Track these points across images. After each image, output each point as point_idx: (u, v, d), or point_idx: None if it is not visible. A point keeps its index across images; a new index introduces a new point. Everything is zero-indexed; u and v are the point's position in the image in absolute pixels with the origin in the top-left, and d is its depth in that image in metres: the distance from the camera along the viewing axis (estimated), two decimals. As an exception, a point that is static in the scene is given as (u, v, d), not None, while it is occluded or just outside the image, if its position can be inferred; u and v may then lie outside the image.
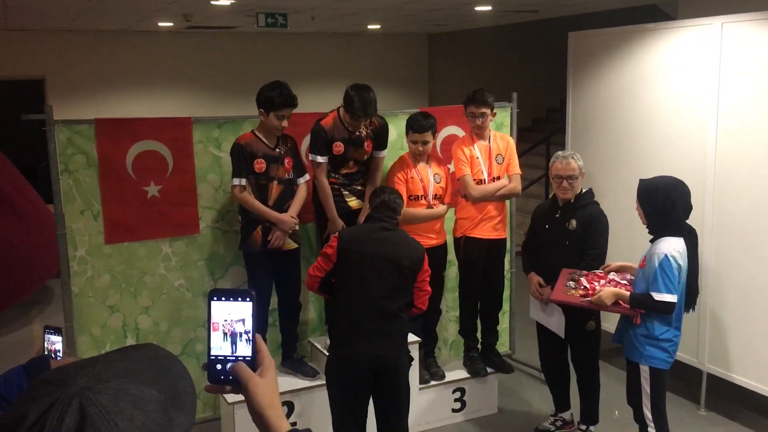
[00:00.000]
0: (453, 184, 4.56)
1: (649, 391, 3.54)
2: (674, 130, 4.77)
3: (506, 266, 5.04)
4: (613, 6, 8.14)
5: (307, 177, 4.32)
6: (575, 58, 5.57)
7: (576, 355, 4.24)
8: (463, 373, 4.72)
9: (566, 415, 4.46)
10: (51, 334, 2.09)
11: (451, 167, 4.63)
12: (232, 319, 1.18)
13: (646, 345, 3.50)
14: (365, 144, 4.30)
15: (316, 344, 4.56)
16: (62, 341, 2.10)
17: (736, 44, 4.32)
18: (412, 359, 3.82)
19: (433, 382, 4.60)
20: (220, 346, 1.18)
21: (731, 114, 4.38)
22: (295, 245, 4.27)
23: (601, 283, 3.75)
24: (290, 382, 4.30)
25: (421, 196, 4.38)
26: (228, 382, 1.19)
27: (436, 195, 4.41)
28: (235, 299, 1.18)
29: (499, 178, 4.47)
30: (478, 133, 4.45)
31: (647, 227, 3.60)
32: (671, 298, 3.38)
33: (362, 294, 3.51)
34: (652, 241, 3.56)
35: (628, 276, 3.79)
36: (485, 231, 4.46)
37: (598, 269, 3.89)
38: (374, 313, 3.48)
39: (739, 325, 4.45)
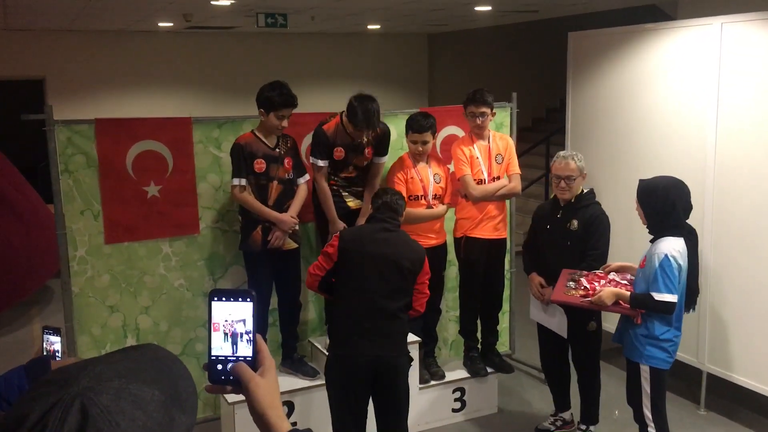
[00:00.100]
0: (453, 184, 4.56)
1: (649, 391, 3.54)
2: (674, 130, 4.77)
3: (506, 266, 5.03)
4: (613, 6, 8.15)
5: (307, 177, 4.32)
6: (575, 58, 5.57)
7: (577, 355, 4.25)
8: (463, 373, 4.72)
9: (566, 415, 4.46)
10: (49, 334, 2.09)
11: (451, 167, 4.63)
12: (232, 319, 1.18)
13: (646, 345, 3.50)
14: (366, 151, 4.31)
15: (316, 344, 4.56)
16: (61, 341, 2.10)
17: (736, 44, 4.32)
18: (411, 360, 3.82)
19: (433, 382, 4.60)
20: (220, 347, 1.18)
21: (731, 114, 4.38)
22: (295, 245, 4.27)
23: (601, 284, 3.75)
24: (290, 382, 4.30)
25: (421, 196, 4.38)
26: (229, 383, 1.19)
27: (435, 195, 4.41)
28: (236, 299, 1.18)
29: (499, 177, 4.47)
30: (477, 133, 4.45)
31: (647, 227, 3.60)
32: (671, 298, 3.38)
33: (362, 294, 3.51)
34: (652, 241, 3.56)
35: (629, 276, 3.79)
36: (486, 231, 4.46)
37: (598, 269, 3.90)
38: (374, 313, 3.48)
39: (739, 325, 4.45)
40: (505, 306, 5.11)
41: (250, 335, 1.18)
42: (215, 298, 1.18)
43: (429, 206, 4.39)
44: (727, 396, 4.79)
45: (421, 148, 4.32)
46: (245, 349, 1.18)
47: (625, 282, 3.74)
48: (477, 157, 4.43)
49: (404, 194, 4.21)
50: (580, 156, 4.08)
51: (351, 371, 3.51)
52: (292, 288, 4.37)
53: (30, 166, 8.53)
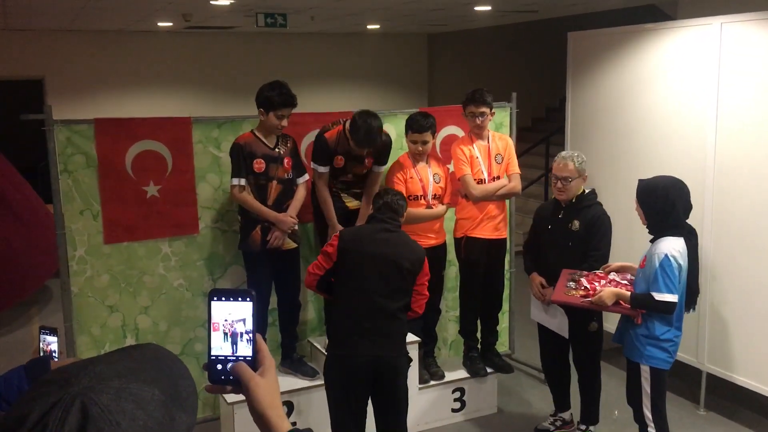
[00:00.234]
0: (452, 184, 4.55)
1: (649, 391, 3.53)
2: (674, 130, 4.77)
3: (506, 266, 5.03)
4: (612, 6, 8.15)
5: (306, 177, 4.32)
6: (575, 58, 5.57)
7: (577, 355, 4.24)
8: (462, 373, 4.71)
9: (566, 415, 4.46)
10: (46, 334, 2.09)
11: (451, 167, 4.63)
12: (232, 319, 1.18)
13: (646, 345, 3.50)
14: (366, 160, 4.31)
15: (316, 344, 4.56)
16: (57, 341, 2.09)
17: (735, 44, 4.32)
18: (410, 360, 3.82)
19: (432, 382, 4.60)
20: (220, 346, 1.18)
21: (731, 114, 4.38)
22: (294, 245, 4.27)
23: (601, 284, 3.75)
24: (290, 382, 4.30)
25: (421, 196, 4.38)
26: (229, 382, 1.18)
27: (435, 195, 4.41)
28: (236, 299, 1.18)
29: (498, 177, 4.47)
30: (477, 133, 4.45)
31: (647, 227, 3.59)
32: (672, 298, 3.38)
33: (362, 294, 3.50)
34: (652, 241, 3.55)
35: (629, 276, 3.79)
36: (486, 231, 4.46)
37: (598, 270, 3.89)
38: (374, 313, 3.48)
39: (739, 325, 4.45)
40: (505, 306, 5.11)
41: (250, 335, 1.18)
42: (215, 298, 1.18)
43: (429, 206, 4.39)
44: (727, 396, 4.79)
45: (420, 148, 4.32)
46: (245, 349, 1.18)
47: (626, 282, 3.74)
48: (477, 157, 4.42)
49: (404, 194, 4.22)
50: (581, 157, 4.06)
51: (350, 371, 3.51)
52: (292, 288, 4.37)
53: (30, 166, 8.53)
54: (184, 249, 4.37)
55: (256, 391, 1.15)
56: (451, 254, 4.71)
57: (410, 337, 4.08)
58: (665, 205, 3.46)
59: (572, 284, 3.82)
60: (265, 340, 1.22)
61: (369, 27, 10.65)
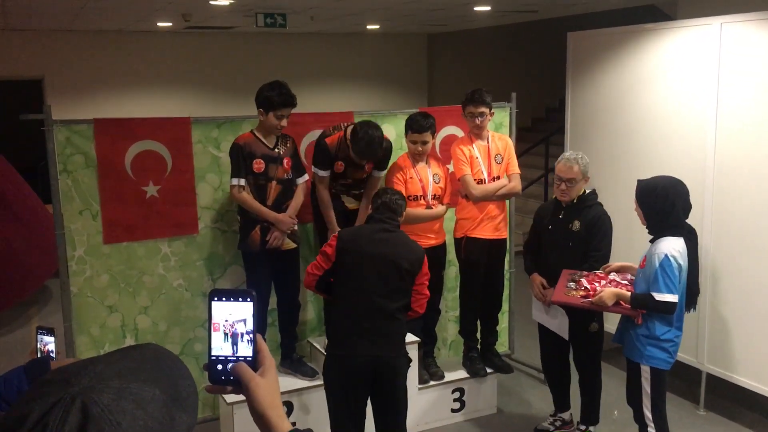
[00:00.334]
0: (452, 185, 4.55)
1: (649, 392, 3.53)
2: (674, 130, 4.77)
3: (506, 266, 5.03)
4: (612, 6, 8.15)
5: (306, 177, 4.32)
6: (574, 58, 5.57)
7: (578, 356, 4.24)
8: (462, 373, 4.71)
9: (566, 416, 4.45)
10: (43, 334, 2.08)
11: (450, 167, 4.63)
12: (233, 319, 1.17)
13: (647, 345, 3.49)
14: (366, 166, 4.31)
15: (315, 344, 4.56)
16: (55, 341, 2.09)
17: (735, 44, 4.32)
18: (410, 360, 3.80)
19: (432, 383, 4.60)
20: (221, 347, 1.18)
21: (731, 114, 4.38)
22: (294, 245, 4.27)
23: (601, 284, 3.74)
24: (289, 382, 4.29)
25: (420, 196, 4.37)
26: (229, 383, 1.18)
27: (435, 195, 4.41)
28: (236, 299, 1.18)
29: (498, 177, 4.47)
30: (476, 133, 4.44)
31: (647, 227, 3.59)
32: (672, 298, 3.38)
33: (361, 294, 3.49)
34: (652, 241, 3.55)
35: (629, 276, 3.79)
36: (486, 231, 4.45)
37: (599, 270, 3.89)
38: (373, 313, 3.47)
39: (739, 325, 4.45)
40: (505, 306, 5.11)
41: (251, 335, 1.18)
42: (215, 298, 1.18)
43: (428, 206, 4.38)
44: (727, 396, 4.79)
45: (420, 148, 4.32)
46: (245, 349, 1.17)
47: (626, 282, 3.74)
48: (476, 157, 4.42)
49: (404, 194, 4.21)
50: (585, 159, 4.03)
51: (349, 371, 3.50)
52: (291, 288, 4.37)
53: (29, 166, 8.53)
54: (183, 249, 4.36)
55: (257, 391, 1.15)
56: (451, 254, 4.71)
57: (410, 338, 4.08)
58: (665, 205, 3.46)
59: (572, 285, 3.81)
60: (264, 340, 1.22)
61: (369, 27, 10.65)
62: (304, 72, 11.10)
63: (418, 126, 4.29)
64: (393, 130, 4.77)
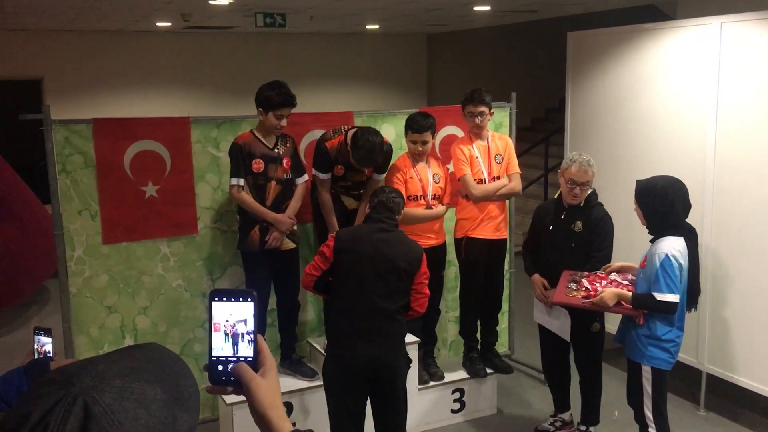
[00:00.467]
0: (452, 185, 4.54)
1: (650, 392, 3.52)
2: (674, 130, 4.77)
3: (506, 266, 5.02)
4: (612, 6, 8.15)
5: (305, 177, 4.31)
6: (574, 58, 5.57)
7: (579, 356, 4.23)
8: (462, 374, 4.70)
9: (566, 416, 4.45)
10: (41, 335, 2.08)
11: (450, 167, 4.62)
12: (234, 320, 1.17)
13: (648, 345, 3.49)
14: (366, 170, 4.30)
15: (315, 345, 4.55)
16: (52, 342, 2.08)
17: (735, 44, 4.32)
18: (410, 361, 3.79)
19: (432, 383, 4.59)
20: (221, 347, 1.17)
21: (731, 114, 4.37)
22: (293, 245, 4.26)
23: (602, 284, 3.74)
24: (289, 383, 4.28)
25: (420, 196, 4.37)
26: (229, 383, 1.17)
27: (435, 195, 4.40)
28: (237, 299, 1.17)
29: (498, 177, 4.46)
30: (476, 133, 4.44)
31: (647, 227, 3.59)
32: (673, 297, 3.37)
33: (360, 294, 3.48)
34: (652, 241, 3.55)
35: (630, 276, 3.78)
36: (487, 231, 4.45)
37: (599, 270, 3.88)
38: (372, 313, 3.46)
39: (740, 326, 4.44)
40: (505, 306, 5.10)
41: (251, 335, 1.17)
42: (216, 299, 1.17)
43: (428, 206, 4.38)
44: (727, 397, 4.79)
45: (420, 148, 4.31)
46: (246, 350, 1.17)
47: (626, 282, 3.73)
48: (476, 157, 4.42)
49: (404, 194, 4.21)
50: (593, 161, 3.98)
51: (348, 372, 3.49)
52: (291, 288, 4.36)
53: (28, 166, 8.52)
54: (183, 249, 4.36)
55: (257, 391, 1.14)
56: (451, 254, 4.70)
57: (410, 338, 4.07)
58: (664, 204, 3.46)
59: (573, 285, 3.81)
60: (264, 340, 1.22)
61: (368, 27, 10.65)
62: (304, 72, 11.10)
63: (418, 126, 4.28)
64: (393, 130, 4.76)
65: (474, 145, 4.44)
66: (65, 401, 0.80)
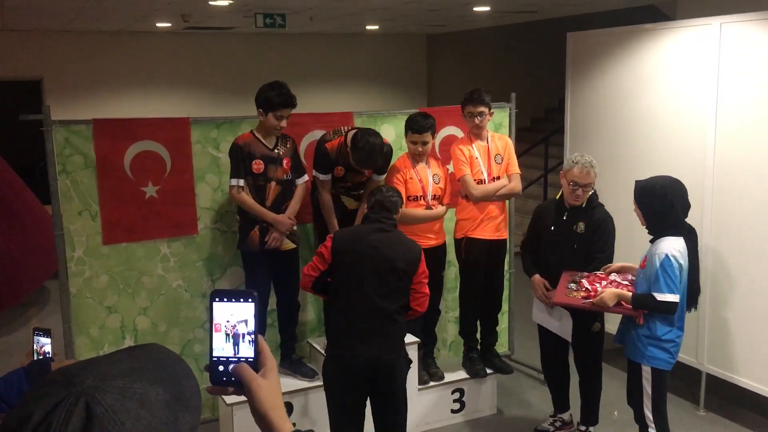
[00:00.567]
0: (452, 185, 4.55)
1: (650, 392, 3.53)
2: (673, 131, 4.77)
3: (506, 266, 5.02)
4: (611, 6, 8.15)
5: (305, 178, 4.31)
6: (574, 59, 5.57)
7: (579, 357, 4.22)
8: (462, 374, 4.70)
9: (566, 416, 4.45)
10: (40, 335, 2.08)
11: (450, 168, 4.62)
12: (234, 320, 1.17)
13: (648, 345, 3.49)
14: (366, 171, 4.30)
15: (315, 345, 4.55)
16: (51, 343, 2.08)
17: (735, 44, 4.32)
18: (410, 362, 3.78)
19: (432, 383, 4.59)
20: (222, 348, 1.17)
21: (730, 114, 4.37)
22: (293, 245, 4.26)
23: (602, 285, 3.74)
24: (289, 383, 4.28)
25: (420, 196, 4.37)
26: (230, 384, 1.18)
27: (435, 195, 4.40)
28: (237, 300, 1.17)
29: (498, 178, 4.46)
30: (476, 133, 4.44)
31: (646, 228, 3.59)
32: (673, 298, 3.38)
33: (359, 295, 3.47)
34: (652, 241, 3.55)
35: (629, 276, 3.78)
36: (487, 231, 4.44)
37: (599, 270, 3.88)
38: (371, 314, 3.45)
39: (739, 325, 4.44)
40: (505, 306, 5.10)
41: (252, 336, 1.17)
42: (216, 299, 1.17)
43: (428, 207, 4.38)
44: (727, 397, 4.79)
45: (420, 149, 4.31)
46: (247, 350, 1.17)
47: (626, 283, 3.73)
48: (476, 158, 4.42)
49: (403, 195, 4.21)
50: (595, 162, 3.95)
51: (348, 372, 3.49)
52: (291, 288, 4.35)
53: (28, 167, 8.52)
54: (183, 250, 4.36)
55: (258, 392, 1.14)
56: (451, 255, 4.70)
57: (410, 338, 4.07)
58: (663, 204, 3.46)
59: (573, 286, 3.81)
60: (265, 341, 1.22)
61: (368, 27, 10.65)
62: (304, 72, 11.10)
63: (418, 126, 4.28)
64: (393, 130, 4.76)
65: (474, 145, 4.44)
66: (67, 401, 0.80)
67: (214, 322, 1.17)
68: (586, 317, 3.99)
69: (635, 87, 5.05)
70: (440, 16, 9.01)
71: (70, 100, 9.85)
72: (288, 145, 4.22)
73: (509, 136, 5.01)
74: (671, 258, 3.38)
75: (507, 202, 4.76)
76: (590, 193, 4.00)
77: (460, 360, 4.83)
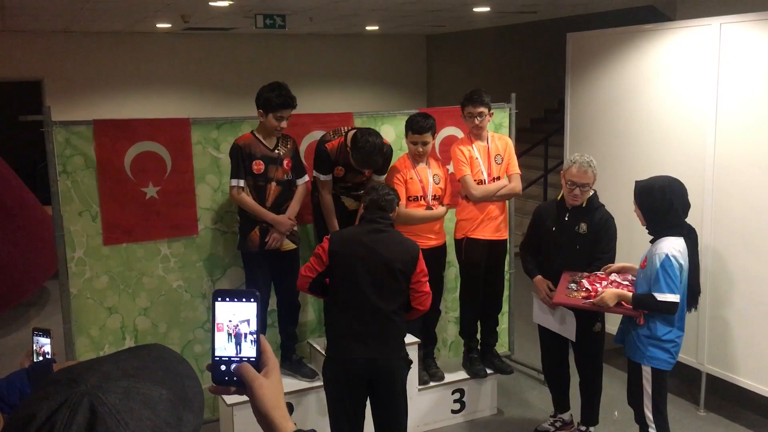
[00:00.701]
0: (452, 185, 4.55)
1: (650, 392, 3.53)
2: (673, 131, 4.77)
3: (506, 267, 5.02)
4: (611, 7, 8.15)
5: (306, 178, 4.31)
6: (574, 59, 5.57)
7: (580, 357, 4.22)
8: (462, 374, 4.71)
9: (566, 416, 4.45)
10: (39, 336, 2.08)
11: (450, 168, 4.62)
12: (237, 320, 1.17)
13: (648, 346, 3.49)
14: (366, 171, 4.30)
15: (315, 345, 4.55)
16: (51, 343, 2.08)
17: (734, 45, 4.33)
18: (410, 362, 3.77)
19: (432, 383, 4.59)
20: (224, 347, 1.17)
21: (730, 114, 4.38)
22: (293, 246, 4.26)
23: (602, 285, 3.74)
24: (289, 384, 4.28)
25: (420, 197, 4.37)
26: (232, 383, 1.18)
27: (435, 196, 4.40)
28: (240, 300, 1.17)
29: (498, 178, 4.47)
30: (476, 133, 4.44)
31: (646, 228, 3.59)
32: (674, 298, 3.38)
33: (356, 296, 3.45)
34: (652, 241, 3.55)
35: (630, 277, 3.78)
36: (487, 232, 4.45)
37: (600, 271, 3.89)
38: (368, 315, 3.44)
39: (739, 326, 4.45)
40: (505, 307, 5.10)
41: (254, 336, 1.17)
42: (219, 299, 1.17)
43: (428, 207, 4.38)
44: (727, 397, 4.79)
45: (421, 149, 4.31)
46: (249, 350, 1.17)
47: (627, 283, 3.73)
48: (476, 158, 4.42)
49: (403, 195, 4.21)
50: (594, 162, 3.96)
51: (347, 374, 3.48)
52: (291, 289, 4.32)
53: (29, 167, 8.53)
54: (183, 250, 4.36)
55: (260, 392, 1.15)
56: (451, 255, 4.70)
57: (410, 339, 4.07)
58: (663, 204, 3.46)
59: (573, 286, 3.81)
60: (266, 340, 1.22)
61: (368, 28, 10.66)
62: (304, 73, 11.10)
63: (418, 127, 4.28)
64: (393, 130, 4.77)
65: (474, 145, 4.44)
66: (71, 401, 0.80)
67: (217, 321, 1.17)
68: (587, 317, 3.99)
69: (635, 87, 5.06)
70: (440, 16, 9.02)
71: (71, 101, 9.86)
72: (288, 146, 4.22)
73: (509, 136, 5.02)
74: (671, 258, 3.38)
75: (507, 202, 4.76)
76: (590, 193, 4.00)
77: (461, 360, 4.83)
